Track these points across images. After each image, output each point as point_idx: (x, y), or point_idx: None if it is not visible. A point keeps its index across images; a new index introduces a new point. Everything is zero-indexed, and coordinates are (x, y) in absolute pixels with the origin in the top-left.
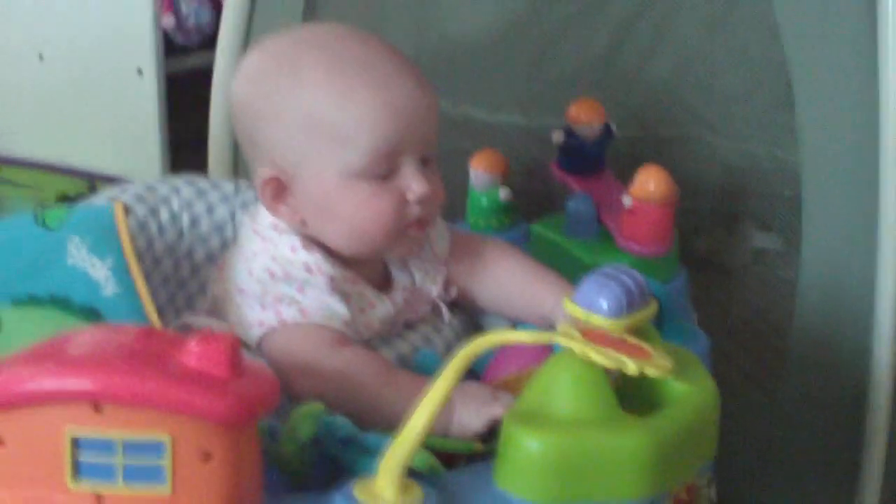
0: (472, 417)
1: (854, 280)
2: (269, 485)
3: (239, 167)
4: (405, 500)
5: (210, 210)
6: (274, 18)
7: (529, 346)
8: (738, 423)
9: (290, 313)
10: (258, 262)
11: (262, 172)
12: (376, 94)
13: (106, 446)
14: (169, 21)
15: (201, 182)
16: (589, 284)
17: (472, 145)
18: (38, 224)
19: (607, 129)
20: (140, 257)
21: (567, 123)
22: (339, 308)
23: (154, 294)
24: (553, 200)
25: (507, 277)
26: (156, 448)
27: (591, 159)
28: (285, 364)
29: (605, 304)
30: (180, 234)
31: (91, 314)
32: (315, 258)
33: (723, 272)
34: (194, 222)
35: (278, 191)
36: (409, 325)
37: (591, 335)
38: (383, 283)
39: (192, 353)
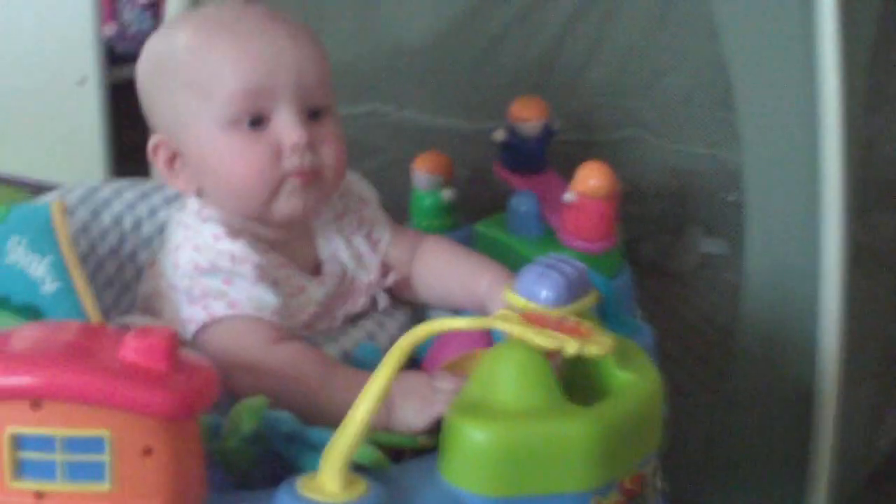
0: (414, 415)
1: (797, 281)
2: (213, 482)
3: None
4: (350, 495)
5: (153, 213)
6: None
7: (468, 333)
8: (686, 423)
9: (218, 307)
10: (183, 255)
11: (151, 142)
12: (235, 43)
13: (46, 443)
14: (110, 29)
15: (145, 185)
16: (529, 274)
17: (415, 149)
18: None
19: (549, 127)
20: (83, 260)
21: (509, 121)
22: (269, 297)
23: (99, 297)
24: (498, 203)
25: (443, 267)
26: (96, 444)
27: (534, 157)
28: (223, 361)
29: (544, 293)
30: (122, 236)
31: (31, 312)
32: (239, 246)
33: (670, 276)
34: (136, 225)
35: (170, 159)
36: (352, 321)
37: (530, 318)
38: (313, 269)
39: (131, 348)
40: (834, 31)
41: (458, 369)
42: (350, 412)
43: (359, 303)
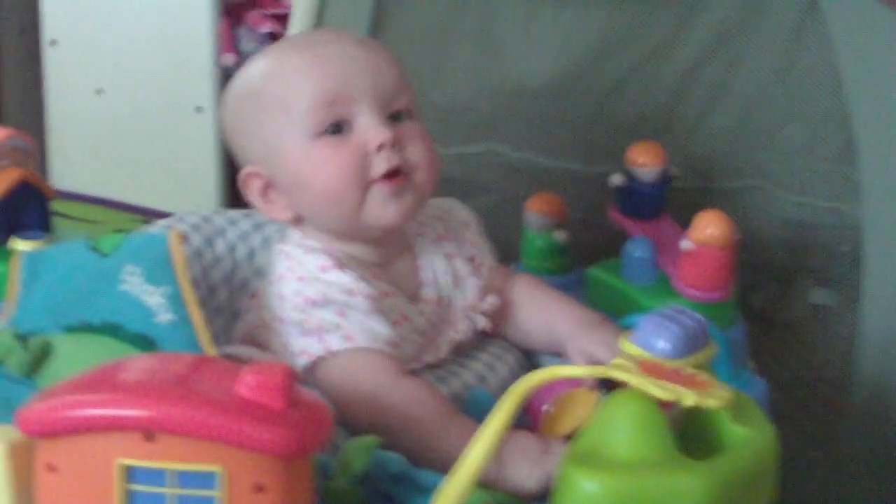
0: (526, 476)
1: None
2: None
3: None
4: None
5: (266, 243)
6: None
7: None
8: (796, 481)
9: (334, 340)
10: (288, 286)
11: (241, 175)
12: (307, 57)
13: (158, 476)
14: (229, 59)
15: (259, 215)
16: (648, 325)
17: (529, 189)
18: (92, 250)
19: (666, 173)
20: (195, 285)
21: (626, 166)
22: (382, 329)
23: (209, 323)
24: (611, 247)
25: (531, 304)
26: (208, 479)
27: (650, 203)
28: (340, 394)
29: (662, 344)
30: (235, 265)
31: (144, 342)
32: (350, 278)
33: (779, 327)
34: (250, 255)
35: (264, 189)
36: (461, 362)
37: (647, 367)
38: (413, 294)
39: (247, 384)
40: None
41: (565, 405)
42: (463, 457)
43: (459, 328)
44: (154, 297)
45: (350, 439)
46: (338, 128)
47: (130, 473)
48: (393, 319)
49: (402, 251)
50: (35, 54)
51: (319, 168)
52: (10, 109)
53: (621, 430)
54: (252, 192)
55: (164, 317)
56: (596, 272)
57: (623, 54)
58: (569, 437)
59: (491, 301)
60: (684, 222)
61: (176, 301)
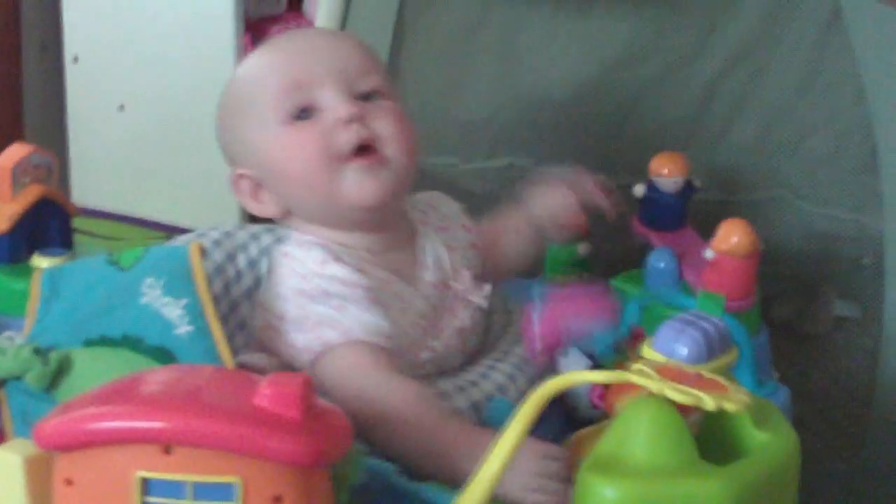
0: (520, 490)
1: None
2: None
3: None
4: None
5: None
6: None
7: (580, 298)
8: (819, 492)
9: (332, 335)
10: (287, 285)
11: (232, 178)
12: (271, 51)
13: (176, 488)
14: None
15: (281, 230)
16: (667, 330)
17: None
18: (112, 264)
19: (689, 183)
20: (217, 301)
21: (649, 177)
22: (381, 322)
23: (231, 339)
24: (634, 258)
25: (492, 230)
26: (226, 490)
27: (673, 213)
28: (339, 389)
29: (683, 350)
30: (257, 280)
31: (163, 354)
32: (347, 270)
33: (802, 339)
34: (273, 270)
35: (254, 189)
36: (481, 369)
37: (666, 372)
38: (412, 279)
39: (264, 395)
40: None
41: (584, 444)
42: (478, 472)
43: (460, 314)
44: (173, 310)
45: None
46: (305, 112)
47: (148, 486)
48: (396, 306)
49: (404, 238)
50: (57, 71)
51: (289, 153)
52: (32, 126)
53: (641, 436)
54: (243, 193)
55: (184, 329)
56: (619, 283)
57: (646, 65)
58: None
59: (487, 289)
60: (707, 234)
61: (195, 313)
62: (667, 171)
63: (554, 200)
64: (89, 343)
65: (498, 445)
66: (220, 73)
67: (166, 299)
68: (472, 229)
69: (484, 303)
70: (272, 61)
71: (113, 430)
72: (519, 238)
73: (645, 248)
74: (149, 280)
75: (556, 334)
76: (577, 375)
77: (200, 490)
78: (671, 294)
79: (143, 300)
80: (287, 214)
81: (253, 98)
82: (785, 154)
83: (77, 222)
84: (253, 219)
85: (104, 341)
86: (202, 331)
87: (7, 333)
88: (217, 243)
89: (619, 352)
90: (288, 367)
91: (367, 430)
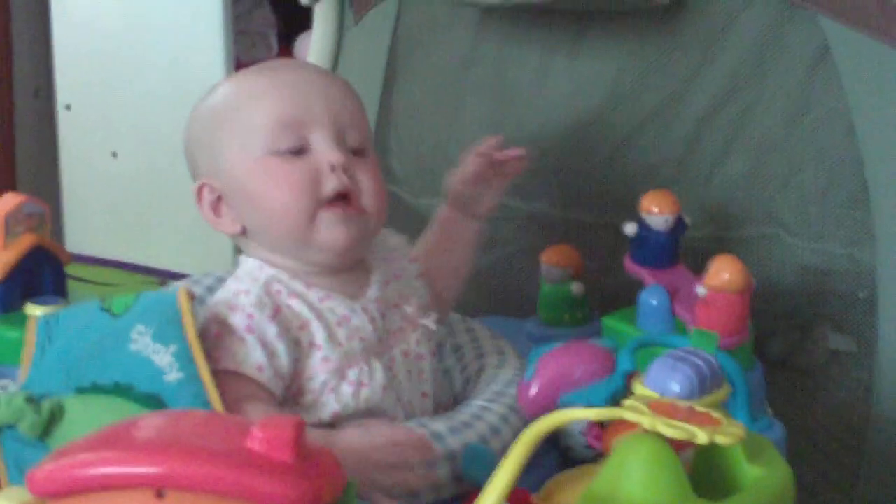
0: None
1: None
2: None
3: None
4: None
5: None
6: None
7: (574, 356)
8: None
9: (209, 366)
10: (209, 308)
11: (195, 188)
12: (272, 78)
13: None
14: None
15: None
16: (659, 366)
17: (543, 241)
18: (104, 311)
19: (680, 221)
20: None
21: (640, 215)
22: (253, 352)
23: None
24: (627, 297)
25: (444, 250)
26: None
27: (665, 251)
28: None
29: (676, 387)
30: None
31: (154, 401)
32: (246, 298)
33: (798, 373)
34: None
35: (215, 202)
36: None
37: (658, 408)
38: (356, 296)
39: (257, 438)
40: None
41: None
42: None
43: (408, 338)
44: (163, 356)
45: None
46: (295, 151)
47: None
48: (334, 321)
49: (352, 268)
50: (49, 118)
51: (272, 183)
52: (24, 174)
53: (635, 472)
54: (203, 204)
55: (174, 375)
56: (611, 322)
57: (636, 104)
58: None
59: (434, 316)
60: (699, 270)
61: (184, 359)
62: (657, 209)
63: (458, 181)
64: (81, 390)
65: (491, 485)
66: None
67: (156, 346)
68: (417, 260)
69: (432, 325)
70: (266, 88)
71: (106, 475)
72: (456, 229)
73: (637, 286)
74: (139, 327)
75: (551, 396)
76: (570, 413)
77: None
78: (662, 334)
79: (133, 347)
80: (242, 233)
81: (240, 117)
82: (776, 190)
83: (71, 269)
84: None
85: (96, 388)
86: (192, 377)
87: (1, 382)
88: (210, 290)
89: (617, 402)
90: None
91: None
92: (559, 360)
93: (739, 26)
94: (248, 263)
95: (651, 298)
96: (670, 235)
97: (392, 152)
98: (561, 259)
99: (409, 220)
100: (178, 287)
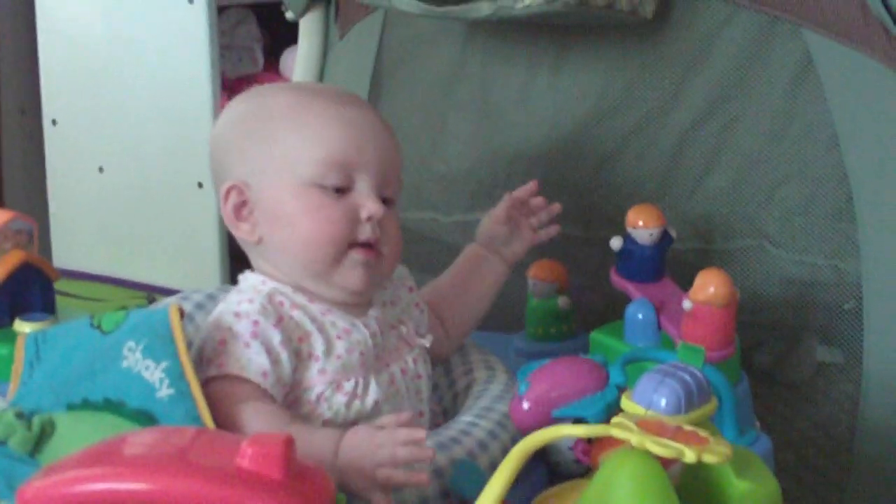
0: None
1: None
2: None
3: None
4: None
5: None
6: None
7: (566, 371)
8: None
9: (212, 370)
10: (206, 328)
11: (224, 186)
12: (333, 109)
13: None
14: None
15: None
16: (646, 381)
17: (530, 256)
18: (94, 328)
19: (666, 234)
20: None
21: (626, 229)
22: (257, 358)
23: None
24: (614, 311)
25: (449, 284)
26: None
27: (651, 265)
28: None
29: (663, 402)
30: None
31: (145, 417)
32: (250, 306)
33: (785, 386)
34: None
35: (239, 206)
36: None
37: (646, 425)
38: (357, 311)
39: (247, 455)
40: None
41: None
42: None
43: (405, 356)
44: (154, 373)
45: None
46: (338, 188)
47: None
48: (334, 334)
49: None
50: (36, 134)
51: (311, 215)
52: (11, 190)
53: (622, 489)
54: (227, 205)
55: (165, 392)
56: (599, 336)
57: (620, 118)
58: None
59: (429, 339)
60: (685, 284)
61: (175, 375)
62: (643, 223)
63: (493, 223)
64: (72, 407)
65: (480, 501)
66: (199, 133)
67: (147, 362)
68: (414, 290)
69: (427, 343)
70: (328, 119)
71: (96, 492)
72: (481, 267)
73: (623, 300)
74: (130, 343)
75: (544, 410)
76: (558, 430)
77: None
78: (650, 349)
79: (124, 364)
80: (257, 242)
81: (297, 144)
82: (760, 202)
83: (59, 284)
84: (235, 279)
85: (86, 405)
86: (183, 393)
87: None
88: (200, 306)
89: (612, 414)
90: None
91: None
92: (552, 374)
93: (722, 40)
94: (251, 278)
95: (637, 312)
96: (656, 249)
97: None
98: (547, 274)
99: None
100: (169, 303)
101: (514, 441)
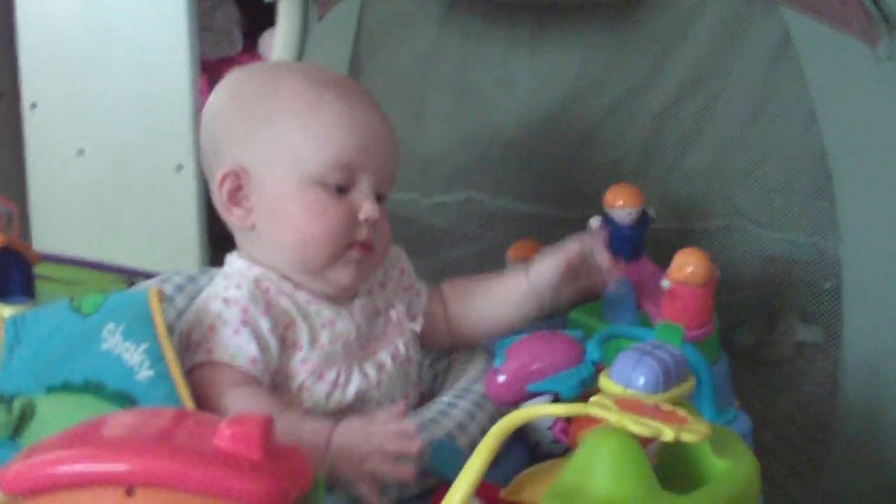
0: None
1: None
2: None
3: None
4: None
5: None
6: None
7: (542, 345)
8: None
9: (199, 354)
10: (196, 306)
11: (222, 170)
12: (343, 108)
13: None
14: None
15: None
16: (624, 360)
17: (510, 236)
18: (74, 311)
19: (644, 214)
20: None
21: (604, 209)
22: (247, 345)
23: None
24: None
25: (474, 285)
26: None
27: (630, 244)
28: (200, 406)
29: (641, 380)
30: None
31: (125, 399)
32: (238, 292)
33: (766, 365)
34: None
35: (234, 191)
36: (442, 407)
37: (625, 404)
38: (342, 301)
39: (225, 436)
40: None
41: (531, 482)
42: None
43: (394, 341)
44: (134, 355)
45: None
46: (340, 187)
47: None
48: (319, 322)
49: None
50: (15, 118)
51: (313, 213)
52: None
53: (601, 467)
54: (222, 189)
55: (144, 374)
56: (578, 315)
57: (598, 98)
58: None
59: (419, 323)
60: (664, 263)
61: (155, 357)
62: (621, 203)
63: (548, 267)
64: (52, 390)
65: (459, 481)
66: (178, 116)
67: (127, 344)
68: (407, 272)
69: (417, 328)
70: (337, 117)
71: (76, 473)
72: (511, 298)
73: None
74: (109, 325)
75: (520, 384)
76: (537, 409)
77: None
78: (629, 327)
79: (104, 346)
80: (251, 229)
81: (301, 140)
82: (739, 181)
83: (38, 268)
84: (214, 262)
85: (67, 387)
86: (162, 375)
87: None
88: (180, 288)
89: (587, 390)
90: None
91: None
92: (528, 348)
93: (701, 19)
94: (237, 262)
95: (617, 291)
96: (634, 229)
97: None
98: (527, 254)
99: None
100: (149, 286)
101: (493, 421)
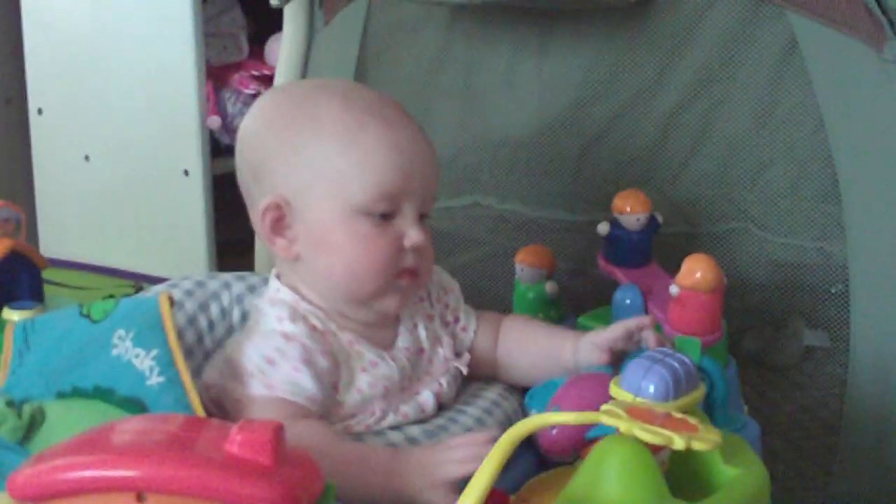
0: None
1: None
2: None
3: None
4: None
5: None
6: None
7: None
8: None
9: (257, 387)
10: (250, 340)
11: (264, 201)
12: (385, 134)
13: None
14: (215, 122)
15: (252, 278)
16: (634, 368)
17: (518, 241)
18: (84, 316)
19: (653, 220)
20: (191, 352)
21: (612, 215)
22: (308, 384)
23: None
24: (601, 296)
25: (526, 340)
26: None
27: (638, 250)
28: None
29: (651, 388)
30: (231, 328)
31: (135, 405)
32: (296, 328)
33: (773, 370)
34: (245, 317)
35: (277, 221)
36: (450, 413)
37: (635, 412)
38: (387, 345)
39: (236, 442)
40: None
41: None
42: None
43: (443, 382)
44: (144, 360)
45: None
46: (385, 215)
47: None
48: (360, 366)
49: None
50: (22, 123)
51: (360, 245)
52: None
53: (611, 475)
54: (265, 219)
55: (155, 379)
56: (586, 321)
57: (605, 102)
58: None
59: (466, 360)
60: (672, 268)
61: (165, 363)
62: (629, 209)
63: (594, 356)
64: (62, 395)
65: (470, 487)
66: (184, 121)
67: (137, 350)
68: (451, 308)
69: (464, 368)
70: (381, 145)
71: (86, 479)
72: (557, 362)
73: (611, 285)
74: (119, 331)
75: (578, 431)
76: (546, 417)
77: None
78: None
79: (114, 352)
80: (295, 258)
81: (347, 169)
82: (746, 185)
83: (46, 273)
84: (220, 266)
85: (76, 393)
86: (173, 381)
87: None
88: (189, 293)
89: None
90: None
91: None
92: (577, 393)
93: (707, 23)
94: (285, 294)
95: (625, 297)
96: (643, 234)
97: None
98: (535, 259)
99: None
100: (159, 291)
101: (502, 426)
